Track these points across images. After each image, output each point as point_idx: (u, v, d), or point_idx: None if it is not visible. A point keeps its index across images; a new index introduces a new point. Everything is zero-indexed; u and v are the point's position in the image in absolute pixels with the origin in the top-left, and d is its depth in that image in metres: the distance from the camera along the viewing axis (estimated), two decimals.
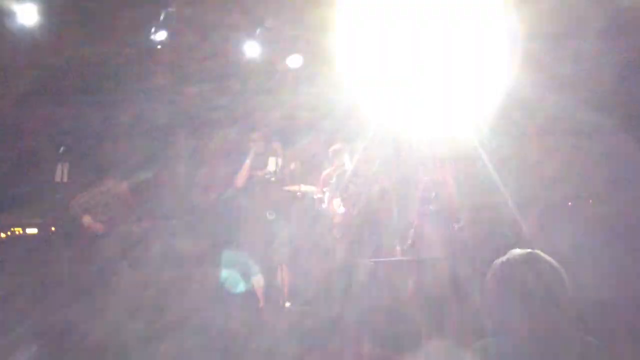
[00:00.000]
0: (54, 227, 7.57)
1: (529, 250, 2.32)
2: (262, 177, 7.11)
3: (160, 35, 8.16)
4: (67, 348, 5.17)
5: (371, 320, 2.23)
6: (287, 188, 8.19)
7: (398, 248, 7.37)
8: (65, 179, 6.67)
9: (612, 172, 7.63)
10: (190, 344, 5.06)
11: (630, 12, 6.97)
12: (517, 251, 2.34)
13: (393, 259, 7.51)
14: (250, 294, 6.49)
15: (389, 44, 6.80)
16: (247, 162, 7.00)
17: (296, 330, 4.99)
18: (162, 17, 7.95)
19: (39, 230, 7.61)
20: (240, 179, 7.00)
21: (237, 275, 6.83)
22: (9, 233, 7.55)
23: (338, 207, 7.35)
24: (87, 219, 6.92)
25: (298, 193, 8.22)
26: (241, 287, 6.60)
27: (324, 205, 7.49)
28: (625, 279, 5.18)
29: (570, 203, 7.74)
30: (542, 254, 2.31)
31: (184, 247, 7.99)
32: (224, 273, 6.75)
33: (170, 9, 7.83)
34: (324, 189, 7.65)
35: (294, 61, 8.85)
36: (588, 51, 7.24)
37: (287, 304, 6.77)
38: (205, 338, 5.07)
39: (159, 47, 8.33)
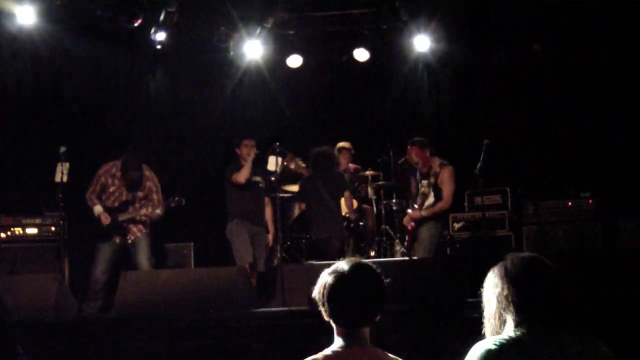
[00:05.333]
0: (55, 227, 7.56)
1: (529, 253, 2.33)
2: (256, 182, 7.25)
3: (160, 36, 8.17)
4: None
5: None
6: (287, 188, 8.20)
7: (398, 247, 7.37)
8: (65, 179, 6.64)
9: None
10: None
11: None
12: (518, 253, 2.35)
13: (391, 259, 7.53)
14: None
15: None
16: (249, 162, 7.08)
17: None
18: (162, 17, 7.94)
19: (38, 231, 7.61)
20: (243, 175, 7.07)
21: None
22: (9, 233, 7.54)
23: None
24: (98, 209, 6.90)
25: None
26: None
27: None
28: None
29: (570, 203, 7.74)
30: (542, 257, 2.32)
31: None
32: None
33: (170, 9, 7.82)
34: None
35: (294, 61, 8.86)
36: None
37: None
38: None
39: (158, 47, 8.34)
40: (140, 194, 6.99)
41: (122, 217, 6.91)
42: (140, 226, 7.00)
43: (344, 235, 7.39)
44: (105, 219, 6.86)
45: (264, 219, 7.42)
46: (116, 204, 6.95)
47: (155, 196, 7.05)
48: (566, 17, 7.85)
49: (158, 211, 7.02)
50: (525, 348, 2.19)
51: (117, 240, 6.92)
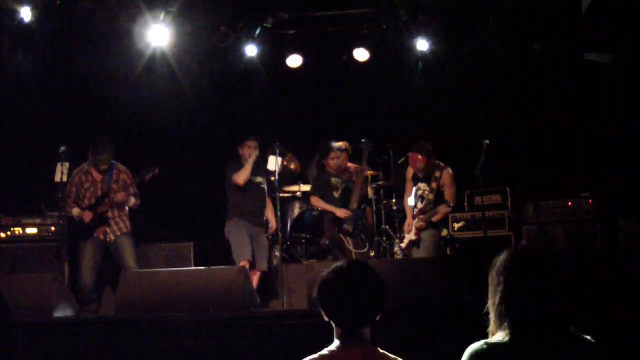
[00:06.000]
0: (55, 227, 7.56)
1: (529, 247, 2.34)
2: (258, 184, 7.28)
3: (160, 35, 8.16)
4: None
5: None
6: (287, 188, 8.21)
7: (397, 248, 7.36)
8: (65, 179, 6.64)
9: None
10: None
11: None
12: (520, 247, 2.34)
13: (391, 259, 7.53)
14: None
15: None
16: (249, 163, 7.10)
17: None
18: (162, 17, 7.94)
19: (38, 231, 7.61)
20: (242, 176, 7.08)
21: None
22: (8, 233, 7.54)
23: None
24: (76, 211, 6.91)
25: (298, 193, 8.24)
26: None
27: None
28: None
29: (570, 203, 7.74)
30: (541, 249, 2.31)
31: None
32: None
33: (170, 9, 7.82)
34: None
35: (294, 61, 8.86)
36: None
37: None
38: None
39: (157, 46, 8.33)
40: (114, 186, 7.00)
41: (101, 209, 6.92)
42: (122, 224, 7.01)
43: (327, 234, 7.42)
44: (88, 215, 6.89)
45: (264, 219, 7.41)
46: (93, 200, 6.97)
47: (131, 190, 7.07)
48: (566, 17, 7.84)
49: (133, 200, 7.05)
50: (516, 351, 2.18)
51: (101, 236, 6.93)
